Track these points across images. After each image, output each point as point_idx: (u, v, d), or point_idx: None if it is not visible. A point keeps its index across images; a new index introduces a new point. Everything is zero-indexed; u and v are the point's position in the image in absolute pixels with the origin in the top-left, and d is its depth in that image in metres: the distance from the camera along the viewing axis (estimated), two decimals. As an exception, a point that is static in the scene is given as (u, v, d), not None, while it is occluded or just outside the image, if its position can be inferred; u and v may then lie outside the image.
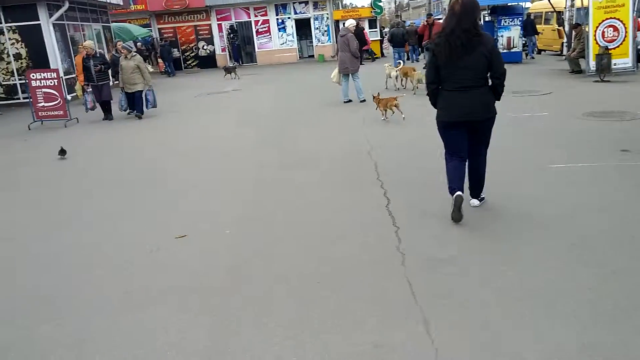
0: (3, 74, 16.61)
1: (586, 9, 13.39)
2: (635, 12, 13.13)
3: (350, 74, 11.60)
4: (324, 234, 4.32)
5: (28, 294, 3.66)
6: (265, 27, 28.19)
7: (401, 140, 7.63)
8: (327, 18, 27.95)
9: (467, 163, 4.48)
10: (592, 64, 12.94)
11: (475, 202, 4.65)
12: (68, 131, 10.84)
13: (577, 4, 17.44)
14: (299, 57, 28.92)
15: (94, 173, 7.07)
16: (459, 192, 4.25)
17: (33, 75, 11.70)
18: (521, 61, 17.84)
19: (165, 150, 8.24)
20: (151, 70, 23.52)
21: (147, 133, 9.98)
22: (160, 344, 2.92)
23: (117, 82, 12.52)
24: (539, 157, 6.14)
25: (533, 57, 19.76)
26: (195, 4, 26.85)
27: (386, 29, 35.45)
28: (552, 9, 20.19)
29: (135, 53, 11.93)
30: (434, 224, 4.33)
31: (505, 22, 17.58)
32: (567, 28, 18.35)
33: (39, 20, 16.23)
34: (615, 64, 12.70)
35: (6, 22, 16.26)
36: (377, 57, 24.94)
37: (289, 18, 28.11)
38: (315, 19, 28.31)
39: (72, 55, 17.11)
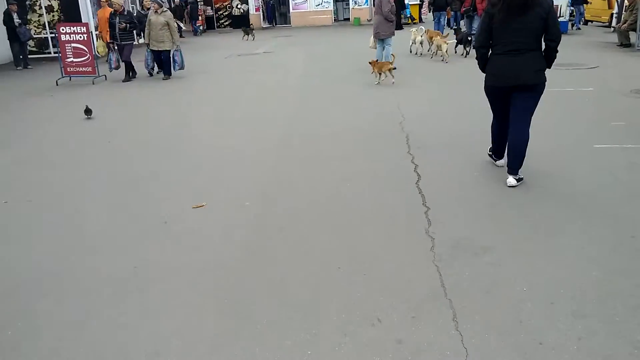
0: (35, 27, 16.51)
1: (642, -23, 12.49)
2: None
3: (383, 39, 11.07)
4: (349, 212, 4.07)
5: (34, 265, 3.50)
6: (301, -13, 27.44)
7: (436, 113, 7.24)
8: (366, -21, 27.02)
9: (509, 133, 4.43)
10: (643, 37, 12.17)
11: (512, 181, 4.37)
12: (95, 89, 10.71)
13: (632, -28, 16.30)
14: (334, 19, 28.17)
15: (117, 135, 6.91)
16: (501, 162, 4.66)
17: (63, 29, 11.50)
18: (567, 32, 16.92)
19: (191, 114, 8.01)
20: (183, 28, 23.49)
21: (174, 95, 9.74)
22: (164, 328, 2.71)
23: (143, 40, 12.20)
24: (583, 136, 5.72)
25: (579, 28, 18.74)
26: (231, -39, 26.26)
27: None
28: (603, -23, 19.03)
29: (166, 9, 11.30)
30: (467, 206, 4.03)
31: (553, -11, 16.62)
32: (619, -1, 17.29)
33: (72, -30, 16.00)
34: (669, 39, 11.92)
35: (39, -26, 16.09)
36: (415, 22, 24.09)
37: (325, -22, 27.28)
38: (353, -20, 27.41)
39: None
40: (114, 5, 11.20)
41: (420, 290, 2.91)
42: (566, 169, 4.74)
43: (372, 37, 11.41)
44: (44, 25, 16.53)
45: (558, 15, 16.72)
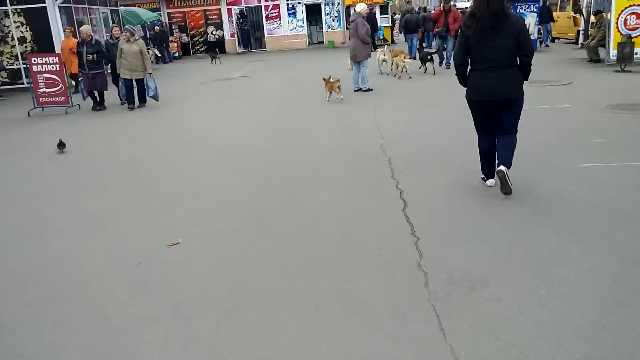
0: (7, 57, 16.19)
1: (608, -5, 12.80)
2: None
3: (359, 61, 11.06)
4: (333, 247, 3.85)
5: None
6: (275, 12, 27.58)
7: (416, 132, 7.14)
8: (338, 3, 27.26)
9: (497, 146, 4.64)
10: (613, 52, 12.42)
11: (502, 167, 4.49)
12: (68, 119, 10.43)
13: (599, -11, 16.75)
14: (309, 43, 28.32)
15: (89, 168, 6.62)
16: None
17: (34, 60, 11.28)
18: (536, 49, 17.11)
19: (166, 145, 7.77)
20: (159, 55, 23.30)
21: (149, 125, 9.50)
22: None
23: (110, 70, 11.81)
24: (568, 155, 5.65)
25: (547, 45, 19.14)
26: (205, -13, 26.35)
27: (396, 15, 34.72)
28: (568, -4, 19.54)
29: (138, 37, 11.12)
30: (458, 234, 3.86)
31: (522, 8, 16.95)
32: (584, 15, 17.70)
33: (44, 2, 15.74)
34: (637, 53, 12.15)
35: (11, 4, 15.79)
36: (388, 44, 24.35)
37: (299, 3, 27.46)
38: (326, 4, 27.65)
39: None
40: (81, 34, 10.99)
41: (417, 334, 2.69)
42: (556, 190, 4.62)
43: (349, 59, 11.46)
44: (16, 56, 16.21)
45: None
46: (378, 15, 23.77)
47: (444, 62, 14.24)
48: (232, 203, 4.95)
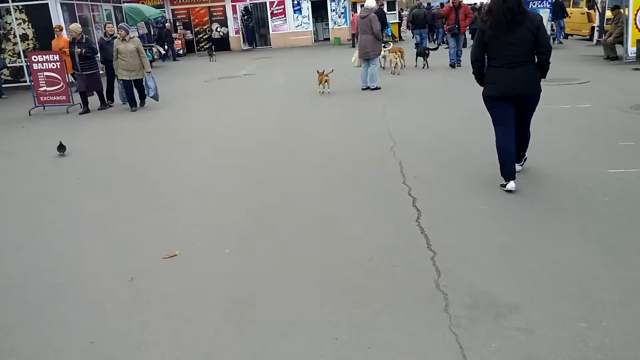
0: (9, 55, 15.98)
1: (626, -10, 12.38)
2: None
3: (369, 59, 10.71)
4: (341, 263, 3.53)
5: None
6: (280, 9, 27.26)
7: (428, 134, 6.80)
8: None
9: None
10: (632, 50, 12.00)
11: (517, 167, 4.68)
12: (69, 118, 10.16)
13: (615, -16, 16.32)
14: (314, 40, 27.97)
15: (89, 170, 6.34)
16: (512, 185, 4.45)
17: (35, 58, 11.04)
18: (549, 46, 16.79)
19: (168, 146, 7.48)
20: (163, 52, 23.04)
21: (150, 125, 9.21)
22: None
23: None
24: (594, 160, 5.29)
25: (561, 42, 18.67)
26: (210, -16, 26.06)
27: (404, 12, 34.36)
28: (582, -9, 19.10)
29: (133, 35, 10.67)
30: (479, 249, 3.53)
31: (534, 4, 16.53)
32: (599, 10, 17.25)
33: (46, -1, 15.54)
34: (657, 51, 11.74)
35: (12, 1, 15.57)
36: (396, 40, 24.00)
37: (305, -1, 27.15)
38: (332, 0, 27.28)
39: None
40: (71, 34, 10.54)
41: (437, 368, 2.38)
42: (585, 201, 4.25)
43: (357, 56, 11.06)
44: (18, 53, 15.98)
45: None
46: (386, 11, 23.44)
47: (456, 59, 13.65)
48: (231, 209, 4.64)
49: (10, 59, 15.87)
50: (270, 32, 27.63)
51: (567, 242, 3.56)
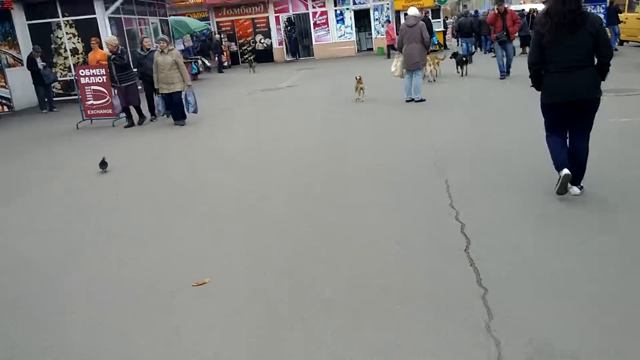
0: (60, 69, 16.51)
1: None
2: None
3: (414, 70, 10.37)
4: (374, 292, 3.27)
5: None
6: (323, 19, 27.24)
7: (477, 150, 6.42)
8: (388, 8, 26.55)
9: (568, 146, 4.52)
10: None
11: (575, 190, 4.49)
12: (113, 133, 10.25)
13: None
14: (357, 50, 27.78)
15: (127, 187, 6.32)
16: (567, 171, 4.32)
17: (82, 72, 11.29)
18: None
19: (208, 163, 7.39)
20: (208, 65, 23.38)
21: (191, 137, 9.20)
22: None
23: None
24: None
25: (616, 49, 17.72)
26: (254, -4, 26.35)
27: (449, 20, 33.79)
28: (639, -5, 18.15)
29: (172, 47, 10.50)
30: (535, 286, 3.18)
31: (587, 9, 15.78)
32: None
33: (95, 13, 15.98)
34: None
35: (63, 16, 16.11)
36: (442, 49, 23.53)
37: (347, 9, 26.99)
38: (375, 9, 27.06)
39: (128, 49, 16.76)
40: (108, 47, 10.50)
41: None
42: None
43: (400, 66, 10.71)
44: (69, 67, 16.48)
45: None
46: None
47: (504, 69, 12.91)
48: (270, 231, 4.45)
49: (61, 73, 16.37)
50: (313, 42, 27.63)
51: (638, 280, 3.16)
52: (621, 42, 19.35)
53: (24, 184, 6.84)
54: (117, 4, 16.21)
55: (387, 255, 3.81)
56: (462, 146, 6.76)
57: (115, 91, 10.75)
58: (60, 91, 16.52)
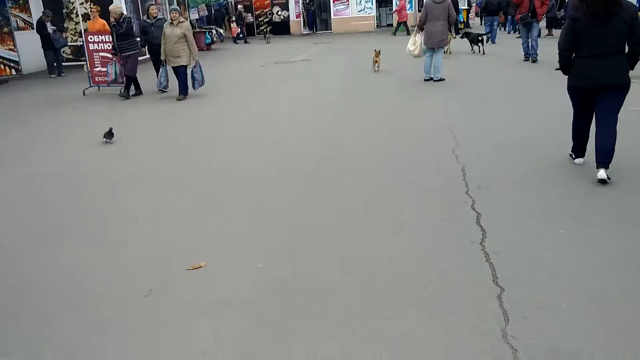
0: (72, 34, 16.22)
1: None
2: None
3: (437, 48, 9.90)
4: (380, 288, 2.99)
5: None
6: (343, -7, 26.57)
7: (497, 135, 6.07)
8: (411, -17, 25.87)
9: (596, 131, 4.44)
10: None
11: (603, 173, 4.28)
12: (120, 101, 9.95)
13: None
14: (377, 25, 27.11)
15: (130, 161, 6.06)
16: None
17: (91, 38, 11.08)
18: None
19: (214, 138, 7.03)
20: (222, 32, 22.96)
21: (200, 111, 8.85)
22: None
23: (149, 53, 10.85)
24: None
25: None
26: (272, -34, 25.70)
27: (473, -1, 32.85)
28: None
29: (183, 19, 9.79)
30: (560, 287, 2.88)
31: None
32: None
33: (108, -22, 15.59)
34: None
35: (75, -17, 15.74)
36: (469, 28, 22.88)
37: (369, -17, 26.30)
38: (397, -16, 26.30)
39: (140, 17, 16.38)
40: (112, 15, 9.94)
41: None
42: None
43: (421, 44, 10.23)
44: (80, 33, 16.15)
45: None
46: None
47: (531, 54, 12.12)
48: (269, 221, 4.18)
49: (71, 38, 16.09)
50: (332, 16, 27.03)
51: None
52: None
53: (24, 153, 6.61)
54: (131, -32, 15.80)
55: (395, 246, 3.52)
56: (480, 130, 6.41)
57: (115, 60, 10.30)
58: (70, 56, 16.27)
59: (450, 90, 9.20)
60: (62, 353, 2.56)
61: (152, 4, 10.49)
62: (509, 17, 20.22)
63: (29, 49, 14.86)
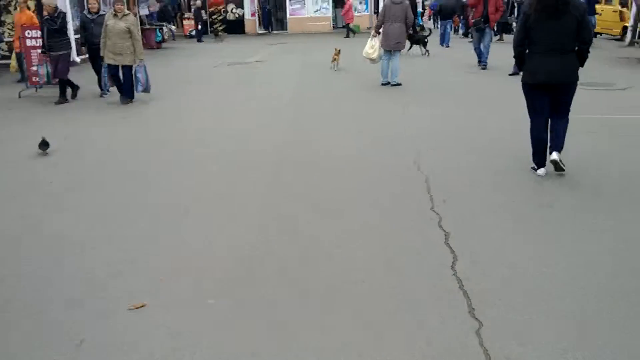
0: (9, 29, 15.15)
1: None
2: None
3: (393, 51, 9.72)
4: (346, 324, 2.71)
5: None
6: (299, -8, 26.22)
7: (459, 141, 5.90)
8: (367, -16, 25.81)
9: (549, 129, 4.69)
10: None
11: (555, 155, 4.58)
12: (57, 107, 8.99)
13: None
14: (333, 26, 26.91)
15: (69, 174, 5.49)
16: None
17: (28, 33, 10.03)
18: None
19: (158, 146, 6.59)
20: (174, 29, 22.13)
21: (143, 119, 8.17)
22: None
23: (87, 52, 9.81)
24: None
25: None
26: (227, -38, 25.08)
27: (427, 1, 33.24)
28: (615, -13, 18.04)
29: (128, 12, 8.86)
30: (544, 314, 2.67)
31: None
32: (633, 10, 16.12)
33: (50, -32, 14.65)
34: None
35: (14, -30, 14.74)
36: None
37: (325, -17, 26.06)
38: (354, -16, 26.17)
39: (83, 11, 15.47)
40: (45, 8, 8.94)
41: None
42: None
43: (375, 45, 9.97)
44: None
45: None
46: None
47: (481, 61, 11.94)
48: (226, 238, 3.81)
49: (9, 33, 15.01)
50: (288, 16, 26.61)
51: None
52: (595, 35, 19.17)
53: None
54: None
55: (358, 275, 3.23)
56: (441, 137, 6.24)
57: (47, 60, 9.26)
58: (7, 53, 15.15)
59: (407, 94, 9.05)
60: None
61: None
62: (463, 20, 20.44)
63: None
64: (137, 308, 2.87)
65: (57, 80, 9.27)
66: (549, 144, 4.69)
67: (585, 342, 2.48)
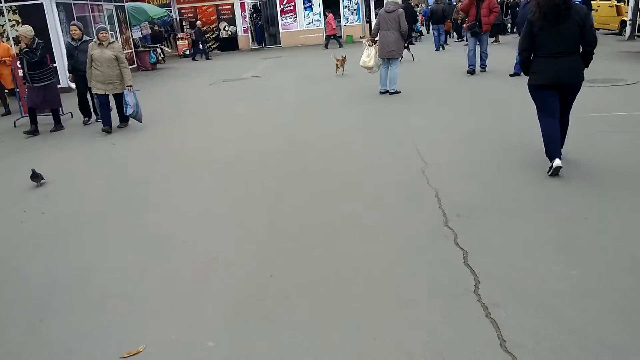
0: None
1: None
2: None
3: (391, 59, 9.53)
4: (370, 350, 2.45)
5: None
6: (290, 6, 26.16)
7: (467, 150, 5.64)
8: (357, -5, 25.74)
9: None
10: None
11: (558, 162, 4.58)
12: (49, 138, 8.70)
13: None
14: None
15: (53, 208, 5.31)
16: (558, 162, 4.56)
17: (20, 63, 9.98)
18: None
19: (158, 171, 6.35)
20: (169, 52, 22.02)
21: (140, 144, 7.92)
22: None
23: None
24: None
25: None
26: (217, -19, 25.09)
27: (419, 7, 33.27)
28: (611, -18, 17.96)
29: (113, 40, 8.63)
30: (579, 343, 2.42)
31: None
32: (632, 3, 15.96)
33: (41, -2, 14.57)
34: None
35: (6, 2, 14.64)
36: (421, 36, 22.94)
37: (316, -5, 26.01)
38: (345, -4, 26.14)
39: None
40: (22, 39, 8.59)
41: None
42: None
43: (372, 54, 9.80)
44: (12, 57, 15.01)
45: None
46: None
47: (481, 64, 11.61)
48: (223, 277, 3.55)
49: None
50: (280, 30, 26.56)
51: None
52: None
53: None
54: (64, -13, 14.82)
55: (370, 307, 2.97)
56: (449, 147, 5.98)
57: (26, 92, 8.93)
58: (1, 82, 15.05)
59: (408, 102, 8.82)
60: None
61: (73, 23, 9.22)
62: (456, 24, 20.36)
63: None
64: (130, 356, 2.60)
65: (49, 110, 9.09)
66: (553, 166, 4.63)
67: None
